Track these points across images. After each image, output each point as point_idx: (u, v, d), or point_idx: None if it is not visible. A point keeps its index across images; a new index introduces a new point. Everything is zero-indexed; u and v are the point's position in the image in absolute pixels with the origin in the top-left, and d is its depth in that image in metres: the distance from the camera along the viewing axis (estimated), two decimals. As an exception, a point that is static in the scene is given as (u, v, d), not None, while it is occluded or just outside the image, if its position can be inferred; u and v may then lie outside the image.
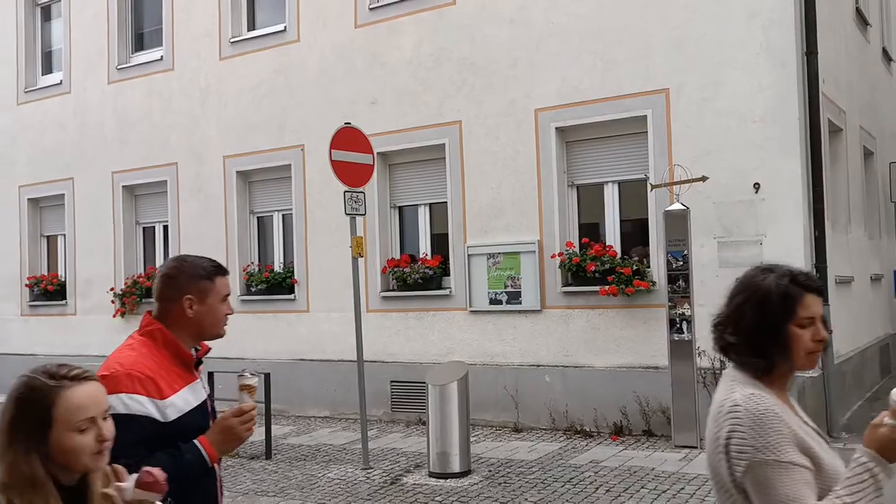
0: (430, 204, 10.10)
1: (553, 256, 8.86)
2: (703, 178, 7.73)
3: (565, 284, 8.86)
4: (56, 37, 13.90)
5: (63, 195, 13.35)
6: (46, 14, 14.11)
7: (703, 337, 7.71)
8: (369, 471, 7.35)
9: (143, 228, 12.81)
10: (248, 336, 11.18)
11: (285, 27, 10.98)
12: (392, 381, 9.90)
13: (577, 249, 8.84)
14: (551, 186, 8.96)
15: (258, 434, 8.88)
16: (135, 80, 12.51)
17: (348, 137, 7.78)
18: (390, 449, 8.30)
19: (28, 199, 13.86)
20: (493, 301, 9.29)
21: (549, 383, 8.86)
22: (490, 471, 7.12)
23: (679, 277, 7.65)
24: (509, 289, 9.19)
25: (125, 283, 12.43)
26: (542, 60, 9.07)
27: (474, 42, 9.51)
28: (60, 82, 13.46)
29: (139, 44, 12.86)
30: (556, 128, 8.97)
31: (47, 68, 14.02)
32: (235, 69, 11.43)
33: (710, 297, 7.91)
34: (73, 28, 13.24)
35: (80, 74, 13.16)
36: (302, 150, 10.75)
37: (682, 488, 6.26)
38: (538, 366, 8.99)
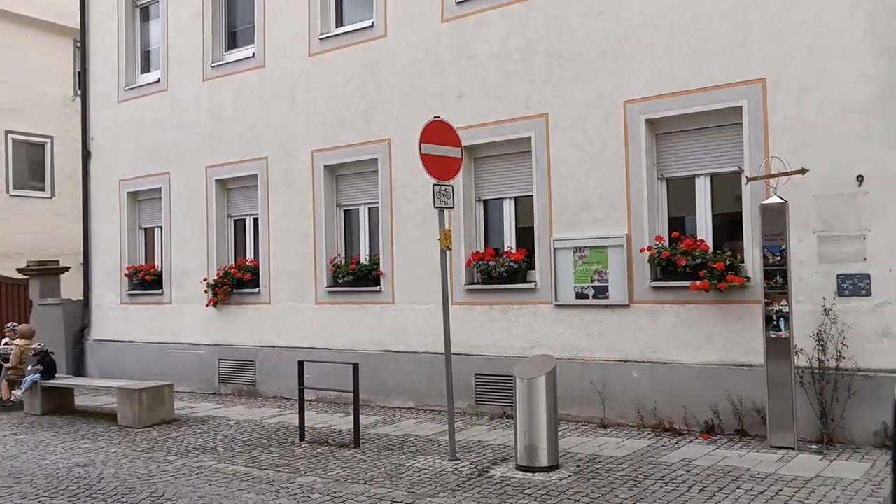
0: (516, 197, 10.07)
1: (642, 251, 8.72)
2: (803, 171, 7.46)
3: (654, 279, 8.70)
4: (154, 36, 14.45)
5: (160, 189, 13.90)
6: (145, 15, 14.69)
7: (802, 335, 7.48)
8: (456, 462, 7.40)
9: (235, 221, 13.21)
10: (334, 327, 11.43)
11: (373, 23, 11.12)
12: (476, 374, 9.93)
13: (666, 244, 8.66)
14: (640, 179, 8.81)
15: (347, 423, 9.10)
16: (228, 77, 12.90)
17: (438, 131, 7.82)
18: (476, 441, 8.34)
19: (128, 193, 14.48)
20: (579, 295, 9.21)
21: (637, 379, 8.73)
22: (578, 466, 7.07)
23: (776, 273, 7.41)
24: (596, 283, 9.09)
25: (217, 274, 12.85)
26: (632, 51, 8.92)
27: (562, 34, 9.42)
28: (158, 80, 14.00)
29: (232, 42, 13.26)
30: (646, 120, 8.80)
31: (146, 67, 14.59)
32: (324, 65, 11.65)
33: (809, 293, 7.66)
34: (170, 28, 13.75)
35: (176, 73, 13.66)
36: (388, 143, 10.89)
37: (780, 490, 6.08)
38: (625, 361, 8.87)
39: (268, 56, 12.35)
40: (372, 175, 11.21)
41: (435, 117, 8.06)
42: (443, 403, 9.41)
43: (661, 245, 8.64)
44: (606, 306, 9.01)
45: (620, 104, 8.97)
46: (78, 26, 15.68)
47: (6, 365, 12.44)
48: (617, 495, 6.13)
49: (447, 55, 10.37)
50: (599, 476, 6.71)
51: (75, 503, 6.64)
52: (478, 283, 10.12)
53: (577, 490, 6.30)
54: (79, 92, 17.74)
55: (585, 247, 9.17)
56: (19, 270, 16.09)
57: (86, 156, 15.21)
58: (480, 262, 10.04)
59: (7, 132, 19.71)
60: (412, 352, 10.58)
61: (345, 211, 11.81)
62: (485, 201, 10.35)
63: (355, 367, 8.50)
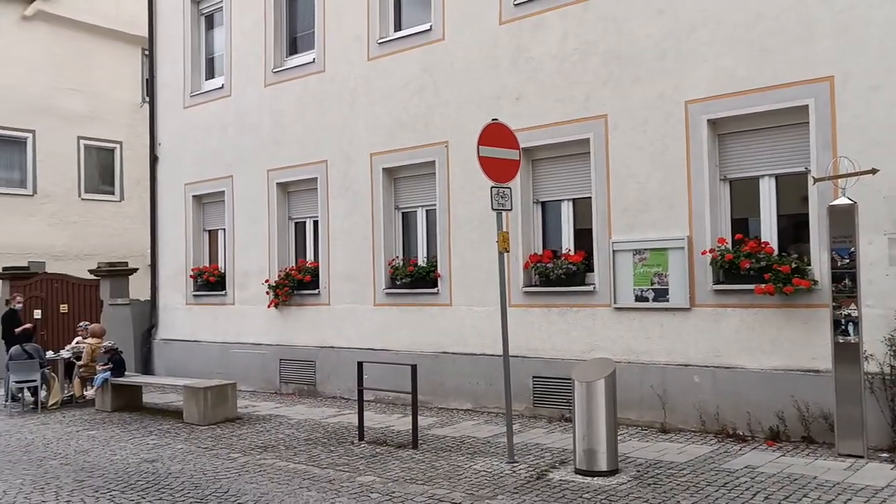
0: (574, 199, 10.01)
1: (704, 253, 8.57)
2: (873, 171, 7.23)
3: (717, 282, 8.55)
4: (218, 44, 14.82)
5: (223, 192, 14.24)
6: (210, 23, 15.08)
7: (871, 339, 7.25)
8: (514, 464, 7.40)
9: (295, 223, 13.45)
10: (392, 328, 11.53)
11: (431, 26, 11.20)
12: (534, 377, 9.90)
13: (729, 246, 8.50)
14: (702, 180, 8.66)
15: (405, 424, 9.17)
16: (289, 82, 13.15)
17: (496, 133, 7.83)
18: (534, 444, 8.32)
19: (193, 196, 14.88)
20: (638, 298, 9.10)
21: (699, 384, 8.58)
22: (638, 471, 6.99)
23: (845, 276, 7.20)
24: (656, 286, 8.97)
25: (278, 275, 13.10)
26: (693, 50, 8.78)
27: (621, 34, 9.33)
28: (222, 86, 14.35)
29: (293, 48, 13.51)
30: (708, 120, 8.65)
31: (210, 74, 14.98)
32: (383, 69, 11.78)
33: (879, 297, 7.43)
34: (234, 35, 14.08)
35: (239, 78, 13.98)
36: (446, 146, 10.94)
37: (849, 499, 5.90)
38: (686, 365, 8.72)
39: (328, 61, 12.55)
40: (430, 177, 11.28)
41: (493, 120, 8.07)
42: (500, 405, 9.42)
43: (723, 247, 8.47)
44: (667, 309, 8.89)
45: (681, 104, 8.84)
46: (146, 35, 16.19)
47: (78, 363, 12.91)
48: (678, 501, 6.05)
49: (505, 57, 10.38)
50: (660, 481, 6.63)
51: (144, 497, 6.85)
52: (535, 285, 10.09)
53: (637, 495, 6.23)
54: (147, 98, 18.31)
55: (645, 249, 9.06)
56: (91, 271, 16.70)
57: (153, 160, 15.68)
58: (538, 265, 10.01)
59: (79, 138, 20.46)
60: (469, 353, 10.60)
61: (403, 213, 11.91)
62: (543, 203, 10.32)
63: (413, 368, 8.57)
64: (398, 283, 11.57)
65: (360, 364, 9.22)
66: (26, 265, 18.18)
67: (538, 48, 10.04)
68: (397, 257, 11.76)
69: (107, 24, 20.55)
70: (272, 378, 13.19)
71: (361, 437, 8.90)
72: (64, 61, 20.00)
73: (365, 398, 9.30)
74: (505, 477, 7.01)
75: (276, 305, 13.08)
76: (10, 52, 19.20)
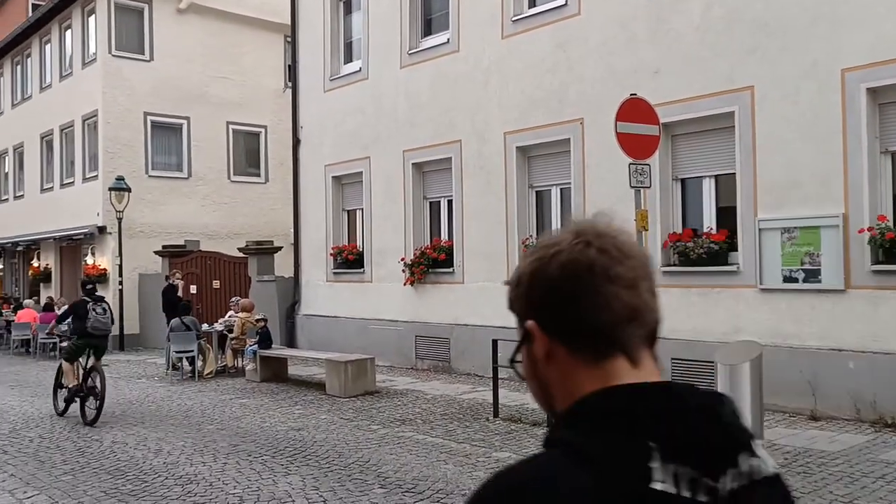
0: (716, 176, 9.62)
1: (861, 231, 8.03)
2: None
3: (876, 262, 7.99)
4: (356, 28, 15.22)
5: (361, 173, 14.68)
6: (348, 8, 15.50)
7: None
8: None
9: (430, 203, 13.68)
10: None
11: (566, 1, 11.01)
12: (673, 359, 9.63)
13: (891, 223, 7.91)
14: (860, 154, 8.09)
15: (539, 402, 9.18)
16: (423, 63, 13.34)
17: (634, 109, 7.65)
18: (673, 427, 8.11)
19: (332, 177, 15.43)
20: (787, 279, 8.66)
21: (853, 370, 8.08)
22: (786, 459, 6.69)
23: None
24: (806, 266, 8.50)
25: (414, 254, 13.39)
26: (849, 15, 8.19)
27: (769, 1, 8.83)
28: (359, 70, 14.75)
29: (427, 29, 13.68)
30: (868, 88, 8.06)
31: (348, 57, 15.42)
32: (517, 47, 11.72)
33: None
34: (371, 19, 14.41)
35: (376, 61, 14.32)
36: (581, 123, 10.78)
37: None
38: (840, 350, 8.23)
39: (462, 41, 12.62)
40: (564, 155, 11.15)
41: (631, 94, 7.88)
42: (637, 387, 9.24)
43: (884, 225, 7.90)
44: (819, 291, 8.40)
45: (837, 73, 8.28)
46: (289, 23, 16.85)
47: (230, 335, 13.76)
48: (831, 491, 5.75)
49: (643, 30, 10.07)
50: (811, 470, 6.32)
51: (292, 463, 7.24)
52: (674, 264, 9.81)
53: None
54: (289, 84, 19.12)
55: (795, 227, 8.59)
56: (239, 249, 17.70)
57: (295, 143, 16.36)
58: (678, 244, 9.72)
59: (228, 123, 21.63)
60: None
61: (536, 192, 11.86)
62: (682, 180, 9.98)
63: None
64: (532, 261, 11.53)
65: (494, 342, 9.30)
66: (183, 243, 19.52)
67: (679, 19, 9.67)
68: (531, 236, 11.74)
69: (253, 13, 21.54)
70: (408, 354, 13.55)
71: (496, 414, 9.00)
72: (214, 51, 21.17)
73: (499, 376, 9.39)
74: (643, 459, 6.89)
75: (412, 283, 13.39)
76: (167, 44, 20.53)
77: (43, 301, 20.47)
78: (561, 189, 11.43)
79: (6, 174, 26.29)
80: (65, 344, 12.12)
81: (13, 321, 18.93)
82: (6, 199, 26.23)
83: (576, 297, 0.99)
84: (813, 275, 8.44)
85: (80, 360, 10.09)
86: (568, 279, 1.00)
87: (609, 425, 0.93)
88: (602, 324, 0.99)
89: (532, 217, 11.86)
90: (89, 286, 10.82)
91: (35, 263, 24.15)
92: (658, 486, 0.88)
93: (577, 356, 1.00)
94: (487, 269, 12.19)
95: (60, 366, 10.45)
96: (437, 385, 11.61)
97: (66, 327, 11.99)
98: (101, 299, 10.56)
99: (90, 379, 9.88)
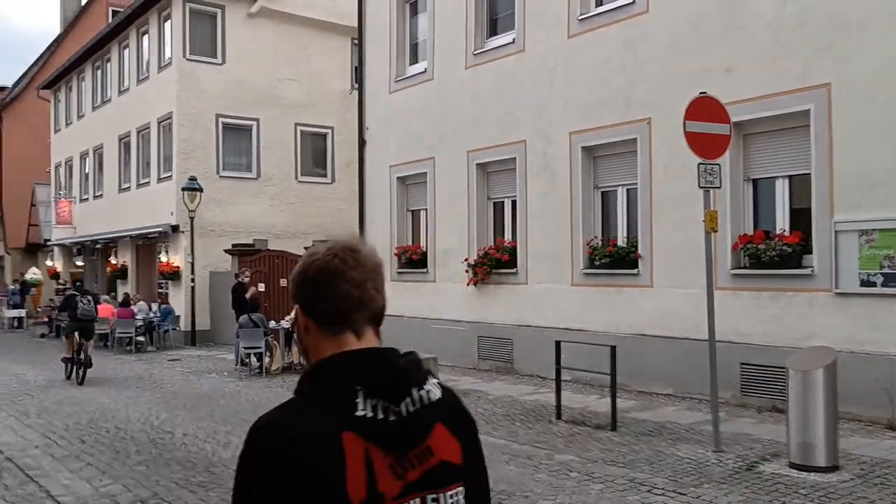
0: (790, 176, 9.34)
1: (945, 234, 7.68)
2: None
3: (960, 267, 7.63)
4: (421, 29, 15.32)
5: (425, 173, 14.76)
6: (414, 9, 15.60)
7: None
8: (721, 454, 7.09)
9: (494, 203, 13.67)
10: (590, 309, 11.43)
11: (634, 0, 10.86)
12: (742, 364, 9.41)
13: (977, 226, 7.54)
14: (945, 153, 7.74)
15: (604, 405, 9.08)
16: (488, 63, 13.33)
17: (704, 107, 7.47)
18: (742, 434, 7.91)
19: (397, 178, 15.56)
20: (864, 283, 8.34)
21: (936, 379, 7.73)
22: (862, 469, 6.45)
23: None
24: (886, 269, 8.17)
25: (477, 254, 13.40)
26: (935, 8, 7.84)
27: (848, -6, 8.53)
28: (425, 70, 14.84)
29: (493, 29, 13.66)
30: (954, 85, 7.70)
31: (414, 59, 15.52)
32: (583, 46, 11.61)
33: None
34: (437, 20, 14.48)
35: (441, 62, 14.38)
36: (648, 123, 10.60)
37: None
38: (921, 359, 7.89)
39: (527, 41, 12.57)
40: (631, 156, 10.99)
41: (701, 93, 7.70)
42: (704, 392, 9.03)
43: (969, 228, 7.54)
44: (898, 296, 8.07)
45: (920, 69, 7.93)
46: (356, 25, 17.07)
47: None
48: (910, 506, 5.52)
49: (713, 28, 9.85)
50: (889, 482, 6.07)
51: (356, 459, 7.32)
52: (745, 267, 9.56)
53: (860, 495, 5.75)
54: (356, 85, 19.34)
55: (874, 229, 8.27)
56: (306, 248, 17.97)
57: (361, 144, 16.56)
58: (748, 246, 9.47)
59: (296, 125, 22.03)
60: (671, 337, 10.27)
61: (602, 192, 11.72)
62: (754, 181, 9.72)
63: (612, 349, 8.45)
64: (597, 263, 11.42)
65: (557, 343, 9.24)
66: (252, 242, 19.96)
67: (751, 16, 9.42)
68: (596, 237, 11.61)
69: (321, 16, 21.89)
70: (471, 354, 13.55)
71: (559, 416, 8.93)
72: (284, 54, 21.60)
73: (562, 378, 9.31)
74: (711, 466, 6.75)
75: (475, 284, 13.39)
76: (238, 48, 21.05)
77: (120, 297, 21.21)
78: (627, 190, 11.27)
79: (87, 175, 27.35)
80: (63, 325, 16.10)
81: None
82: (86, 199, 27.29)
83: (321, 291, 1.46)
84: (893, 279, 8.11)
85: (74, 338, 13.32)
86: (318, 278, 1.46)
87: (333, 376, 1.40)
88: (337, 309, 1.45)
89: (597, 218, 11.73)
90: (78, 283, 14.78)
91: (113, 261, 25.04)
92: (360, 412, 1.34)
93: (322, 330, 1.46)
94: (551, 270, 12.10)
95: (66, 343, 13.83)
96: (499, 386, 11.59)
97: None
98: (88, 293, 14.38)
99: (81, 352, 13.06)
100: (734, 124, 8.57)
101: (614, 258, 11.10)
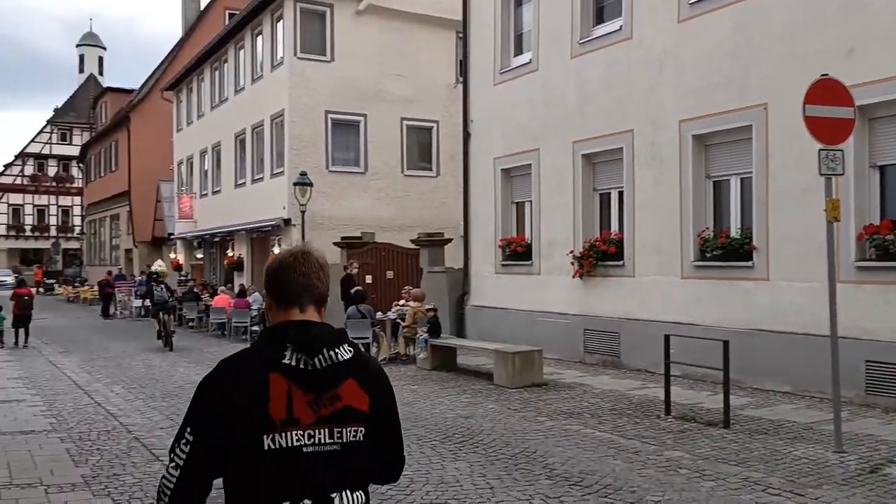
0: (922, 162, 8.73)
1: None
2: None
3: None
4: (526, 20, 15.20)
5: (530, 165, 14.67)
6: (518, 0, 15.49)
7: None
8: (842, 455, 6.73)
9: (600, 194, 13.43)
10: (701, 302, 11.07)
11: (748, -20, 10.40)
12: (867, 361, 8.88)
13: None
14: None
15: (715, 402, 8.79)
16: (595, 52, 13.10)
17: (825, 90, 7.09)
18: (866, 434, 7.48)
19: (501, 170, 15.53)
20: None
21: None
22: None
23: None
24: None
25: (583, 246, 13.21)
26: None
27: None
28: (529, 61, 14.73)
29: (599, 17, 13.40)
30: None
31: (518, 50, 15.43)
32: (693, 31, 11.22)
33: None
34: (542, 9, 14.33)
35: (546, 52, 14.23)
36: (765, 108, 10.15)
37: None
38: None
39: (635, 27, 12.27)
40: (744, 143, 10.56)
41: (822, 75, 7.30)
42: (824, 390, 8.60)
43: None
44: None
45: None
46: (460, 18, 17.13)
47: (402, 323, 14.25)
48: None
49: (833, 8, 9.31)
50: None
51: (461, 449, 7.39)
52: (870, 259, 9.01)
53: None
54: (460, 79, 19.43)
55: None
56: (412, 241, 18.27)
57: (465, 137, 16.62)
58: (875, 237, 8.92)
59: (402, 119, 22.38)
60: (788, 332, 9.81)
61: (714, 182, 11.31)
62: (881, 167, 9.15)
63: (725, 344, 8.16)
64: (708, 255, 11.04)
65: (666, 337, 9.00)
66: (359, 235, 20.43)
67: (878, -9, 8.85)
68: (707, 228, 11.22)
69: (427, 11, 22.12)
70: (576, 347, 13.39)
71: (668, 412, 8.71)
72: (390, 50, 21.96)
73: (671, 372, 9.06)
74: (831, 467, 6.41)
75: (581, 276, 13.22)
76: (347, 45, 21.55)
77: (236, 288, 22.17)
78: (741, 179, 10.83)
79: (206, 171, 28.72)
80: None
81: (211, 306, 20.65)
82: (206, 194, 28.66)
83: (279, 278, 2.06)
84: None
85: (160, 317, 17.30)
86: (277, 270, 2.07)
87: (271, 336, 1.99)
88: (287, 292, 2.04)
89: (709, 208, 11.33)
90: (153, 274, 19.22)
91: (230, 253, 26.20)
92: (286, 361, 1.93)
93: (277, 306, 2.06)
94: (660, 262, 11.79)
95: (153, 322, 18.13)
96: (605, 380, 11.41)
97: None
98: (162, 282, 18.56)
99: (165, 326, 16.98)
100: (858, 108, 8.09)
101: (727, 250, 10.70)
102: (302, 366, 1.92)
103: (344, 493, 1.95)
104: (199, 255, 29.75)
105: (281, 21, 21.70)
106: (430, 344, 12.95)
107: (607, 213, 13.30)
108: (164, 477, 1.95)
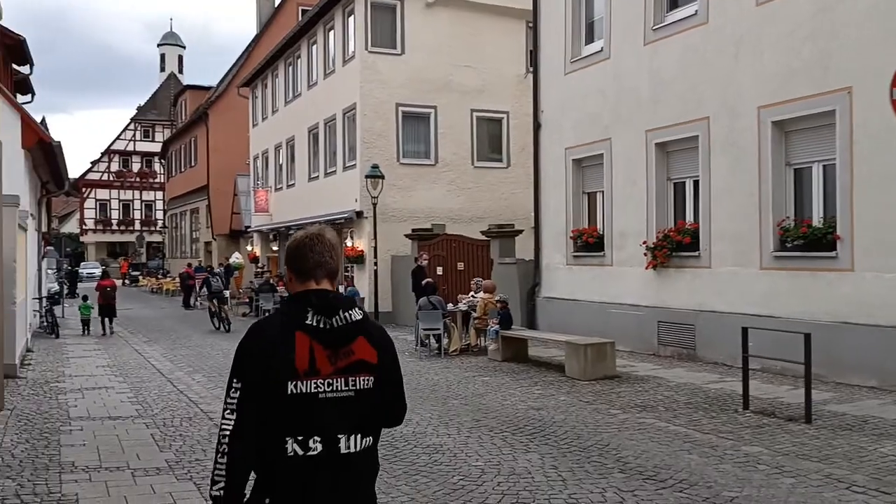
0: None
1: None
2: None
3: None
4: (598, 7, 14.96)
5: (602, 155, 14.46)
6: (590, -13, 15.29)
7: None
8: (933, 454, 6.45)
9: (674, 184, 13.15)
10: (780, 294, 10.74)
11: (831, -42, 10.00)
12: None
13: None
14: None
15: (797, 396, 8.53)
16: (668, 39, 12.81)
17: (915, 72, 6.75)
18: (959, 433, 7.14)
19: (572, 160, 15.37)
20: None
21: None
22: None
23: None
24: None
25: (656, 237, 12.97)
26: None
27: None
28: (601, 50, 14.51)
29: (673, 2, 13.09)
30: None
31: (589, 38, 15.21)
32: (773, 14, 10.85)
33: None
34: (613, -3, 14.09)
35: (618, 40, 13.99)
36: (848, 93, 9.75)
37: None
38: None
39: (711, 11, 11.94)
40: (828, 129, 10.17)
41: (911, 56, 6.96)
42: (914, 386, 8.24)
43: None
44: None
45: None
46: (530, 8, 16.99)
47: (474, 315, 14.28)
48: None
49: (927, -18, 8.85)
50: None
51: (532, 441, 7.38)
52: (964, 249, 8.57)
53: None
54: (530, 69, 19.31)
55: None
56: (482, 233, 18.27)
57: (536, 127, 16.50)
58: (969, 225, 8.48)
59: (472, 111, 22.35)
60: (876, 325, 9.42)
61: (794, 170, 10.94)
62: (976, 152, 8.67)
63: (807, 337, 7.90)
64: (788, 245, 10.69)
65: (744, 330, 8.76)
66: (430, 227, 20.55)
67: (974, -35, 8.38)
68: (787, 218, 10.86)
69: (496, 1, 22.02)
70: (649, 339, 13.18)
71: (746, 406, 8.49)
72: (459, 41, 21.95)
73: (749, 366, 8.82)
74: (921, 466, 6.15)
75: (654, 267, 12.98)
76: (417, 37, 21.65)
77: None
78: (824, 166, 10.44)
79: (281, 165, 29.34)
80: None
81: (285, 297, 21.12)
82: (281, 188, 29.28)
83: (297, 257, 2.42)
84: None
85: (213, 303, 20.75)
86: (295, 249, 2.43)
87: (296, 302, 2.36)
88: (305, 267, 2.41)
89: (789, 197, 10.96)
90: (209, 267, 22.70)
91: (303, 245, 26.68)
92: (308, 322, 2.29)
93: (297, 279, 2.42)
94: (737, 252, 11.48)
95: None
96: (680, 372, 11.19)
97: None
98: (216, 274, 22.66)
99: (220, 312, 20.26)
100: (952, 89, 7.70)
101: (809, 240, 10.34)
102: (322, 325, 2.30)
103: (351, 437, 2.31)
104: (275, 248, 30.44)
105: (352, 16, 21.94)
106: (501, 335, 12.95)
107: (682, 203, 13.02)
108: (222, 426, 2.27)
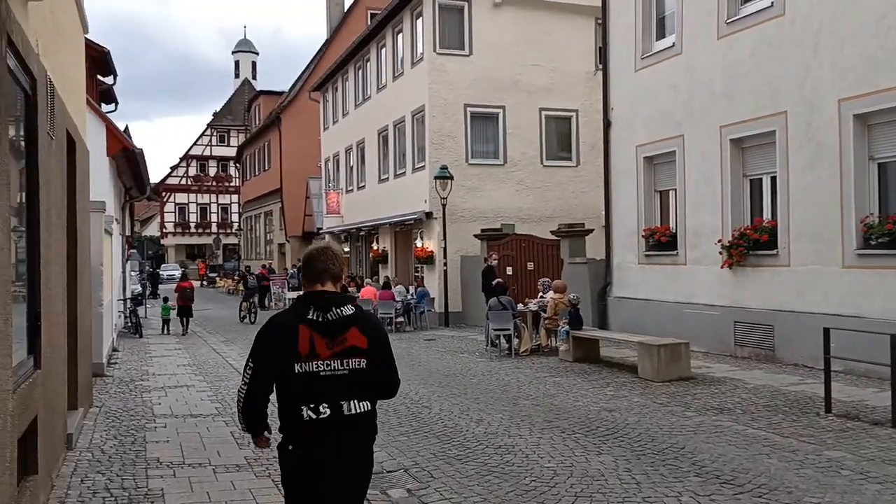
0: None
1: None
2: None
3: None
4: (669, 2, 14.70)
5: (674, 152, 14.20)
6: (661, -18, 15.03)
7: None
8: None
9: (750, 180, 12.81)
10: (865, 293, 10.36)
11: (917, -57, 9.57)
12: None
13: None
14: None
15: (882, 399, 8.21)
16: (743, 32, 12.49)
17: None
18: None
19: (644, 158, 15.13)
20: None
21: None
22: None
23: None
24: None
25: (732, 235, 12.65)
26: None
27: None
28: (672, 45, 14.24)
29: (748, -6, 12.76)
30: None
31: (660, 34, 14.96)
32: (852, 4, 10.47)
33: None
34: (685, -10, 13.81)
35: (690, 35, 13.71)
36: (937, 82, 9.32)
37: None
38: None
39: (788, 3, 11.58)
40: (914, 121, 9.74)
41: None
42: None
43: None
44: None
45: None
46: (599, 5, 16.81)
47: (544, 315, 14.22)
48: None
49: None
50: None
51: (605, 443, 7.31)
52: None
53: None
54: (599, 66, 19.10)
55: None
56: (552, 232, 18.16)
57: (606, 125, 16.31)
58: None
59: (541, 109, 22.24)
60: (968, 326, 8.98)
61: (879, 164, 10.52)
62: None
63: (893, 338, 7.58)
64: (873, 242, 10.29)
65: (826, 330, 8.48)
66: (499, 227, 20.54)
67: None
68: (872, 214, 10.45)
69: (564, -1, 21.89)
70: (725, 340, 12.87)
71: (828, 409, 8.21)
72: (527, 40, 21.87)
73: (832, 368, 8.53)
74: None
75: (730, 266, 12.67)
76: (485, 38, 21.67)
77: (381, 280, 22.87)
78: (910, 160, 10.01)
79: (351, 168, 29.79)
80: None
81: (358, 298, 21.44)
82: (351, 190, 29.73)
83: (307, 265, 3.23)
84: None
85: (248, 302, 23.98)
86: (307, 259, 3.25)
87: (302, 301, 3.18)
88: (313, 273, 3.22)
89: (873, 192, 10.54)
90: (247, 266, 29.31)
91: (375, 246, 27.07)
92: (309, 316, 3.11)
93: (308, 283, 3.23)
94: (817, 250, 11.11)
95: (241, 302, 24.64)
96: (758, 374, 10.90)
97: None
98: (253, 274, 28.09)
99: (251, 307, 23.73)
100: None
101: (894, 237, 9.92)
102: (320, 319, 3.08)
103: (351, 402, 3.08)
104: (347, 249, 30.94)
105: (420, 18, 22.11)
106: (572, 336, 12.85)
107: (758, 200, 12.68)
108: (238, 390, 3.15)
